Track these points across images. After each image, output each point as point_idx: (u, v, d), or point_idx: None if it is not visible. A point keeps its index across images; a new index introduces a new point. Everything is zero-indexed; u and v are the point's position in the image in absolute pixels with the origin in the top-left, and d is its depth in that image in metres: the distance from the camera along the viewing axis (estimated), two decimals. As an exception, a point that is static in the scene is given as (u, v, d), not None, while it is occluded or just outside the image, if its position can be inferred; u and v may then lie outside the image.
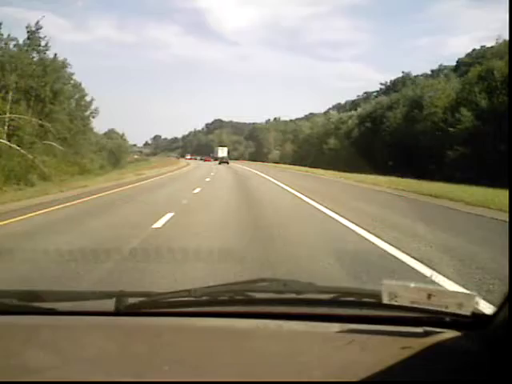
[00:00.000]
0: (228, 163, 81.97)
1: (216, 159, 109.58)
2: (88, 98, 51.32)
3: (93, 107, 51.75)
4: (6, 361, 1.29)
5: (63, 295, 1.92)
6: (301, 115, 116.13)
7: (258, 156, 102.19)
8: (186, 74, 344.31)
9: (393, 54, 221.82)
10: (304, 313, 1.58)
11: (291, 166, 56.82)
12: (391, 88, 69.40)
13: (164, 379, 1.19)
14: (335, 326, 1.46)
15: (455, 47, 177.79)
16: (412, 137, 37.57)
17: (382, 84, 75.35)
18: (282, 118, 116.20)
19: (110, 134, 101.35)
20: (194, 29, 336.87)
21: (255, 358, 1.32)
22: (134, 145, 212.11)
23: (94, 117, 52.35)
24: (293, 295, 1.69)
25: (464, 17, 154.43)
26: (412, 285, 1.36)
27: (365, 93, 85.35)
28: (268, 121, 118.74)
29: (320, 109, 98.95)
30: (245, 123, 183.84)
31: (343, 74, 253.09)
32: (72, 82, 46.41)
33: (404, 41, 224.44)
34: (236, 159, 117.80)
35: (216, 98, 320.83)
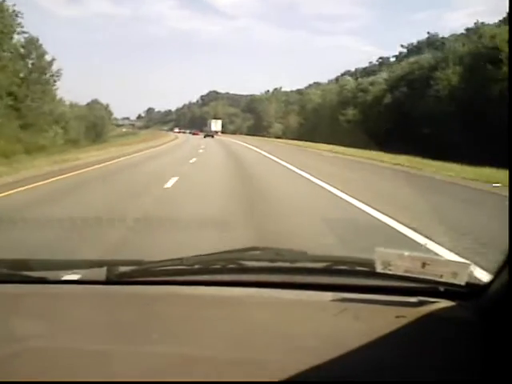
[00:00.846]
0: (213, 136, 75.15)
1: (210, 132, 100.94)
2: (48, 58, 40.65)
3: (54, 69, 41.10)
4: None
5: (53, 264, 1.87)
6: (303, 85, 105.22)
7: (257, 130, 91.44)
8: (182, 47, 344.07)
9: (391, 28, 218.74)
10: (297, 282, 1.56)
11: (301, 143, 47.06)
12: (414, 51, 58.90)
13: (154, 347, 1.17)
14: (328, 295, 1.45)
15: (452, 21, 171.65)
16: (481, 103, 26.92)
17: (403, 46, 64.52)
18: (284, 89, 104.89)
19: (93, 104, 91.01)
20: (189, 2, 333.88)
21: (247, 327, 1.30)
22: (127, 118, 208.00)
23: (55, 81, 41.87)
24: (286, 264, 1.69)
25: None
26: (406, 253, 1.34)
27: (380, 58, 74.51)
28: (267, 92, 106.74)
29: (323, 78, 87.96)
30: (242, 95, 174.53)
31: (341, 47, 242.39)
32: (25, 35, 35.55)
33: (401, 15, 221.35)
34: (233, 133, 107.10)
35: (212, 71, 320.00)
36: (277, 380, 1.01)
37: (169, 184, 11.75)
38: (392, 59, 68.52)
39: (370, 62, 76.60)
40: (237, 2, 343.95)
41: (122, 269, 1.60)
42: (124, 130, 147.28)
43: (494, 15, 55.17)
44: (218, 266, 1.66)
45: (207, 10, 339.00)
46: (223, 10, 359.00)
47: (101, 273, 1.57)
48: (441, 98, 32.62)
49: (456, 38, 43.65)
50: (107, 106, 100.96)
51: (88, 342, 1.20)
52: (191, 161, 20.91)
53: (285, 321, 1.35)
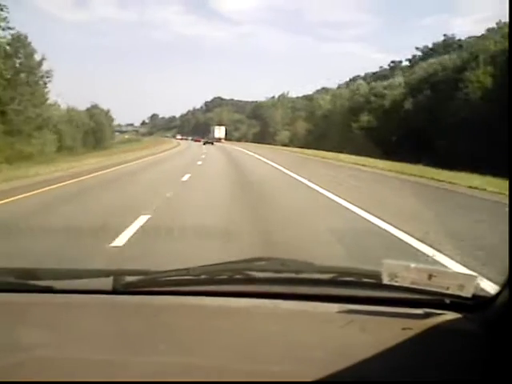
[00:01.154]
0: (213, 143, 72.85)
1: (212, 140, 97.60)
2: (38, 57, 37.40)
3: (44, 69, 37.85)
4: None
5: (60, 273, 1.86)
6: (309, 91, 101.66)
7: (262, 137, 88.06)
8: (187, 53, 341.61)
9: (397, 34, 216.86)
10: (303, 293, 1.55)
11: (311, 152, 42.79)
12: (430, 54, 55.46)
13: (160, 358, 1.17)
14: (334, 307, 1.44)
15: (458, 27, 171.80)
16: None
17: (418, 49, 61.01)
18: (290, 95, 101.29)
19: (92, 110, 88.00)
20: (195, 8, 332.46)
21: (253, 338, 1.30)
22: (131, 124, 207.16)
23: (46, 82, 38.61)
24: (291, 274, 1.70)
25: None
26: (413, 265, 1.33)
27: (392, 62, 71.10)
28: (273, 98, 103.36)
29: (330, 84, 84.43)
30: (247, 101, 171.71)
31: (347, 54, 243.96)
32: (11, 31, 32.07)
33: (407, 21, 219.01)
34: (238, 140, 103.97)
35: (217, 76, 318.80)
36: None
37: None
38: (405, 63, 65.06)
39: (381, 67, 73.26)
40: (242, 8, 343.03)
41: (129, 278, 1.61)
42: (127, 136, 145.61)
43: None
44: (223, 277, 1.66)
45: (212, 16, 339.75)
46: (228, 15, 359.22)
47: (107, 282, 1.57)
48: (471, 101, 29.02)
49: (483, 36, 39.85)
50: (108, 111, 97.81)
51: (94, 352, 1.21)
52: (184, 178, 16.17)
53: (291, 332, 1.34)
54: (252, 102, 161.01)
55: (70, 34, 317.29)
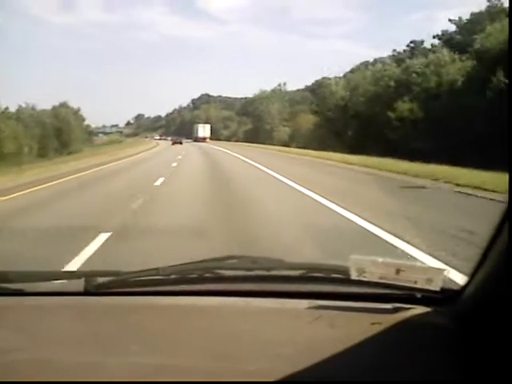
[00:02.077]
0: (181, 143, 67.08)
1: (196, 140, 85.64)
2: None
3: None
4: None
5: (31, 276, 1.86)
6: (303, 85, 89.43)
7: (256, 135, 75.77)
8: (173, 52, 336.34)
9: (383, 30, 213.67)
10: (273, 290, 1.58)
11: (344, 158, 27.52)
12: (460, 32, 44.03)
13: (132, 358, 1.18)
14: (304, 303, 1.45)
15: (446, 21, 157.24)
16: None
17: (451, 21, 49.02)
18: (288, 87, 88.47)
19: (59, 109, 75.75)
20: (181, 8, 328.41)
21: (224, 336, 1.30)
22: (116, 125, 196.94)
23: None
24: (262, 272, 1.68)
25: None
26: (380, 260, 1.34)
27: (411, 42, 58.98)
28: (265, 91, 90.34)
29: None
30: (236, 98, 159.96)
31: (333, 51, 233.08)
32: None
33: (394, 17, 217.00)
34: (227, 139, 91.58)
35: (204, 75, 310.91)
36: None
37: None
38: (431, 41, 53.35)
39: (394, 50, 61.03)
40: (229, 6, 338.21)
41: (100, 280, 1.60)
42: (106, 137, 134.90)
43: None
44: (194, 276, 1.67)
45: (199, 16, 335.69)
46: (215, 15, 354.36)
47: (79, 284, 1.57)
48: None
49: None
50: (78, 109, 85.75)
51: (67, 354, 1.21)
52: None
53: (261, 329, 1.36)
54: (241, 98, 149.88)
55: (55, 37, 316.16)
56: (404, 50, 55.67)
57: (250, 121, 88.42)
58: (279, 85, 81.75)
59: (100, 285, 1.58)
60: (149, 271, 1.65)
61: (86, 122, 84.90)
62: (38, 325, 1.41)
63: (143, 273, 1.66)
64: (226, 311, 1.48)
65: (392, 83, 37.80)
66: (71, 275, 1.82)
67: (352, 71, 55.76)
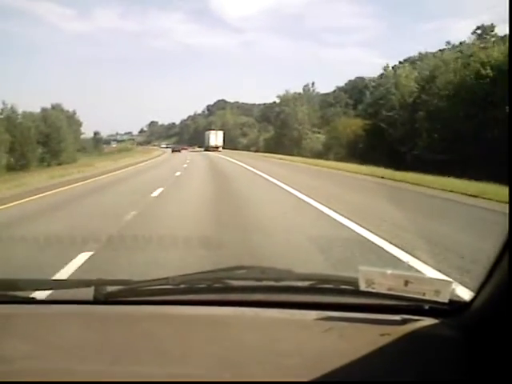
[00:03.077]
0: (180, 151, 61.86)
1: (207, 149, 75.13)
2: None
3: None
4: None
5: (41, 284, 1.87)
6: (333, 86, 76.99)
7: (280, 143, 63.86)
8: (189, 60, 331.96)
9: (398, 39, 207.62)
10: (282, 300, 1.58)
11: None
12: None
13: (141, 367, 1.19)
14: (313, 314, 1.46)
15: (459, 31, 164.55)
16: None
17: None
18: (317, 89, 74.97)
19: (50, 111, 64.78)
20: (197, 16, 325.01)
21: (232, 346, 1.31)
22: (129, 132, 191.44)
23: None
24: (271, 283, 1.69)
25: (469, 1, 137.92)
26: (389, 271, 1.35)
27: (478, 28, 46.59)
28: (286, 93, 77.16)
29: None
30: (254, 104, 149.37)
31: (349, 59, 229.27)
32: None
33: (409, 26, 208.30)
34: (246, 148, 79.74)
35: (220, 83, 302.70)
36: None
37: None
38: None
39: (462, 42, 48.46)
40: (245, 15, 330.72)
41: (109, 288, 1.60)
42: (114, 145, 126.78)
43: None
44: (203, 286, 1.67)
45: (215, 24, 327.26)
46: (231, 22, 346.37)
47: (88, 292, 1.57)
48: None
49: None
50: (73, 113, 74.50)
51: (76, 362, 1.21)
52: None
53: (270, 339, 1.35)
54: (260, 104, 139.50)
55: (71, 44, 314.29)
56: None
57: (272, 127, 76.31)
58: (306, 85, 69.46)
59: (109, 293, 1.58)
60: (158, 280, 1.64)
61: (96, 129, 75.02)
62: (47, 333, 1.42)
63: (153, 282, 1.64)
64: (235, 321, 1.47)
65: (488, 71, 25.30)
66: (80, 283, 1.80)
67: (419, 58, 43.04)
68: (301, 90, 68.81)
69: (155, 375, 1.14)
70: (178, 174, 22.03)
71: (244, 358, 1.24)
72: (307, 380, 1.08)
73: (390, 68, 42.56)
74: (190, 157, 49.72)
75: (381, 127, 36.42)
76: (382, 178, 19.32)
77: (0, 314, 1.55)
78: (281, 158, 42.14)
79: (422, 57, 41.51)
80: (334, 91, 70.85)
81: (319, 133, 57.34)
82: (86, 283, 1.71)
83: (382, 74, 47.76)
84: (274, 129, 72.90)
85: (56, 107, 65.84)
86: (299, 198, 11.59)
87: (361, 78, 73.56)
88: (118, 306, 1.59)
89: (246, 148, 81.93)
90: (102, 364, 1.20)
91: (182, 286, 1.63)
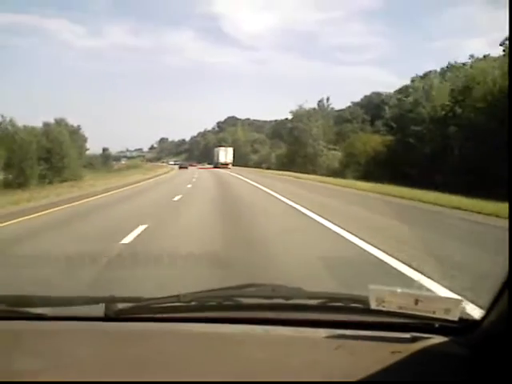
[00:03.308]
0: (187, 168, 59.14)
1: (217, 166, 73.13)
2: None
3: None
4: None
5: (52, 300, 1.88)
6: (349, 102, 73.88)
7: (293, 161, 60.86)
8: (200, 77, 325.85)
9: (409, 57, 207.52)
10: (292, 318, 1.57)
11: None
12: None
13: None
14: (323, 332, 1.46)
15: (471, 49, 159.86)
16: None
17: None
18: (332, 104, 71.55)
19: (53, 126, 62.45)
20: (209, 34, 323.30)
21: (243, 364, 1.32)
22: (139, 149, 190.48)
23: None
24: (281, 300, 1.70)
25: (479, 19, 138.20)
26: (399, 290, 1.36)
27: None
28: (293, 117, 73.31)
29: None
30: (265, 121, 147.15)
31: (359, 77, 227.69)
32: None
33: (419, 44, 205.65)
34: (257, 166, 76.93)
35: (231, 100, 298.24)
36: None
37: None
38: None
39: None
40: (257, 33, 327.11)
41: (120, 305, 1.61)
42: (123, 162, 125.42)
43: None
44: (214, 303, 1.67)
45: (227, 41, 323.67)
46: (242, 41, 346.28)
47: (99, 309, 1.57)
48: None
49: None
50: (78, 128, 72.21)
51: (87, 379, 1.21)
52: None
53: (280, 357, 1.35)
54: (271, 121, 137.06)
55: (81, 60, 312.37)
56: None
57: (285, 143, 73.29)
58: (321, 100, 66.31)
59: (120, 310, 1.58)
60: (169, 298, 1.64)
61: (106, 145, 72.56)
62: (57, 349, 1.42)
63: (163, 299, 1.65)
64: (245, 339, 1.47)
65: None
66: (91, 300, 1.82)
67: (448, 69, 39.94)
68: (314, 106, 65.75)
69: None
70: (177, 198, 17.84)
71: (253, 375, 1.23)
72: None
73: (418, 79, 39.33)
74: (198, 174, 46.97)
75: (406, 143, 33.18)
76: (422, 201, 16.18)
77: (10, 330, 1.55)
78: (297, 177, 39.00)
79: (453, 68, 38.31)
80: (349, 107, 67.93)
81: (335, 149, 54.16)
82: (97, 300, 1.72)
83: (404, 87, 44.64)
84: (287, 145, 69.81)
85: (60, 122, 63.46)
86: (347, 239, 8.46)
87: (377, 94, 70.80)
88: (129, 323, 1.57)
89: (257, 165, 78.95)
90: (109, 379, 1.20)
91: (193, 303, 1.62)
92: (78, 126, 69.94)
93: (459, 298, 1.39)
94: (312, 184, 29.73)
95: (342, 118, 61.17)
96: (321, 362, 1.30)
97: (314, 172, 50.79)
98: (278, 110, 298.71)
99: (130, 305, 1.63)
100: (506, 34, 34.19)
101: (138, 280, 5.04)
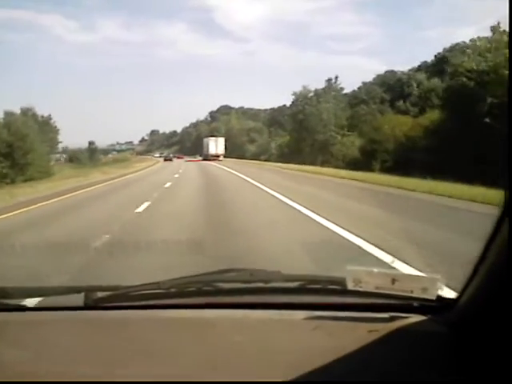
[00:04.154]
0: (171, 160, 59.49)
1: (206, 158, 65.56)
2: None
3: None
4: None
5: (31, 291, 1.87)
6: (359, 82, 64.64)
7: (298, 150, 52.01)
8: (192, 69, 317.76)
9: (401, 46, 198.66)
10: (271, 302, 1.59)
11: None
12: None
13: (132, 371, 1.20)
14: (301, 314, 1.47)
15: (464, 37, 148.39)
16: None
17: None
18: (341, 83, 59.06)
19: (17, 116, 53.02)
20: (200, 26, 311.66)
21: (223, 348, 1.33)
22: (130, 142, 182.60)
23: None
24: (260, 284, 1.70)
25: (470, 7, 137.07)
26: (376, 270, 1.36)
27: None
28: (296, 100, 63.23)
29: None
30: (260, 109, 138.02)
31: (353, 66, 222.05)
32: None
33: (411, 33, 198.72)
34: (256, 158, 67.92)
35: (223, 91, 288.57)
36: None
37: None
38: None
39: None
40: (249, 24, 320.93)
41: (100, 294, 1.62)
42: (110, 156, 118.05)
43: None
44: (193, 289, 1.67)
45: (218, 33, 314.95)
46: (234, 32, 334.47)
47: (79, 298, 1.58)
48: None
49: None
50: (48, 118, 63.02)
51: (68, 368, 1.23)
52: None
53: (259, 340, 1.36)
54: (266, 109, 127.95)
55: (74, 55, 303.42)
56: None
57: (286, 131, 64.25)
58: (329, 79, 56.94)
59: (100, 299, 1.60)
60: (148, 285, 1.65)
61: (96, 139, 64.09)
62: (38, 339, 1.43)
63: (143, 287, 1.65)
64: (225, 323, 1.48)
65: None
66: (71, 290, 1.82)
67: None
68: (326, 83, 56.49)
69: (145, 377, 1.14)
70: (143, 207, 11.37)
71: (233, 357, 1.25)
72: (296, 377, 1.09)
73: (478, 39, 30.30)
74: (184, 167, 39.05)
75: (470, 122, 24.15)
76: None
77: None
78: (314, 172, 29.88)
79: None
80: (359, 88, 58.86)
81: (353, 136, 45.26)
82: (76, 289, 1.72)
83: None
84: (290, 133, 60.79)
85: (26, 112, 54.43)
86: None
87: (391, 72, 61.86)
88: (109, 311, 1.58)
89: (255, 156, 69.90)
90: (93, 368, 1.21)
91: (172, 289, 1.63)
92: (49, 115, 61.29)
93: (436, 276, 1.33)
94: (344, 184, 20.79)
95: (356, 99, 52.09)
96: (299, 343, 1.31)
97: (326, 163, 41.98)
98: (272, 100, 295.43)
99: (109, 293, 1.62)
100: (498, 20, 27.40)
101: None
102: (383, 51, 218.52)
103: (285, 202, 12.01)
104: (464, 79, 26.88)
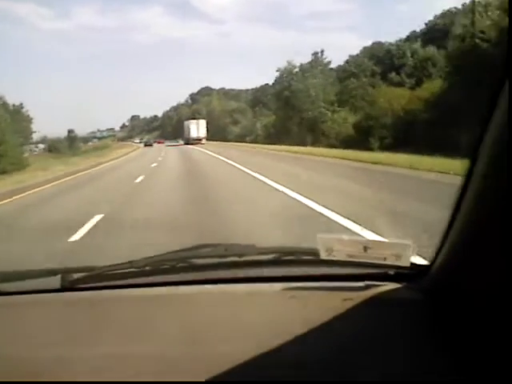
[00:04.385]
0: (152, 145, 57.47)
1: (188, 142, 62.92)
2: None
3: None
4: None
5: (6, 275, 1.86)
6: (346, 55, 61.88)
7: (286, 130, 49.48)
8: (170, 53, 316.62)
9: (384, 20, 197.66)
10: (246, 275, 1.59)
11: None
12: None
13: (107, 348, 1.21)
14: (277, 286, 1.47)
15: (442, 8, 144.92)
16: None
17: None
18: (327, 57, 55.27)
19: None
20: (176, 9, 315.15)
21: (200, 323, 1.33)
22: (111, 128, 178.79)
23: None
24: (234, 258, 1.72)
25: None
26: (346, 237, 1.36)
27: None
28: (281, 76, 60.67)
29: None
30: (241, 89, 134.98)
31: (333, 44, 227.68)
32: None
33: (392, 5, 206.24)
34: (241, 140, 65.19)
35: (203, 73, 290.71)
36: (227, 371, 1.06)
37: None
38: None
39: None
40: (225, 5, 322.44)
41: (76, 275, 1.62)
42: (91, 143, 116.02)
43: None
44: (168, 266, 1.67)
45: (195, 16, 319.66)
46: (211, 14, 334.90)
47: (55, 281, 1.59)
48: None
49: None
50: (20, 106, 59.70)
51: (44, 350, 1.23)
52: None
53: (235, 314, 1.37)
54: (248, 90, 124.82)
55: (49, 42, 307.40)
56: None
57: (272, 110, 61.50)
58: (315, 53, 54.06)
59: (76, 280, 1.59)
60: (123, 264, 1.65)
61: (76, 127, 60.70)
62: (14, 323, 1.43)
63: (118, 266, 1.66)
64: (201, 299, 1.48)
65: None
66: (47, 273, 1.81)
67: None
68: (312, 56, 53.65)
69: (123, 357, 1.15)
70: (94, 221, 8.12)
71: (209, 332, 1.25)
72: (273, 349, 1.11)
73: None
74: (164, 154, 36.64)
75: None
76: None
77: None
78: (310, 153, 27.41)
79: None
80: (347, 61, 56.15)
81: (344, 111, 42.70)
82: (52, 272, 1.73)
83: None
84: (275, 112, 58.07)
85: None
86: None
87: (378, 43, 59.29)
88: (85, 292, 1.57)
89: (240, 138, 67.19)
90: (70, 349, 1.22)
91: (147, 267, 1.63)
92: (21, 104, 57.88)
93: (407, 242, 1.31)
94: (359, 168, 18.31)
95: (345, 73, 49.35)
96: (275, 315, 1.32)
97: (317, 142, 39.51)
98: (254, 80, 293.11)
99: (85, 274, 1.62)
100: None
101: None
102: (366, 26, 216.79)
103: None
104: (477, 40, 24.41)
